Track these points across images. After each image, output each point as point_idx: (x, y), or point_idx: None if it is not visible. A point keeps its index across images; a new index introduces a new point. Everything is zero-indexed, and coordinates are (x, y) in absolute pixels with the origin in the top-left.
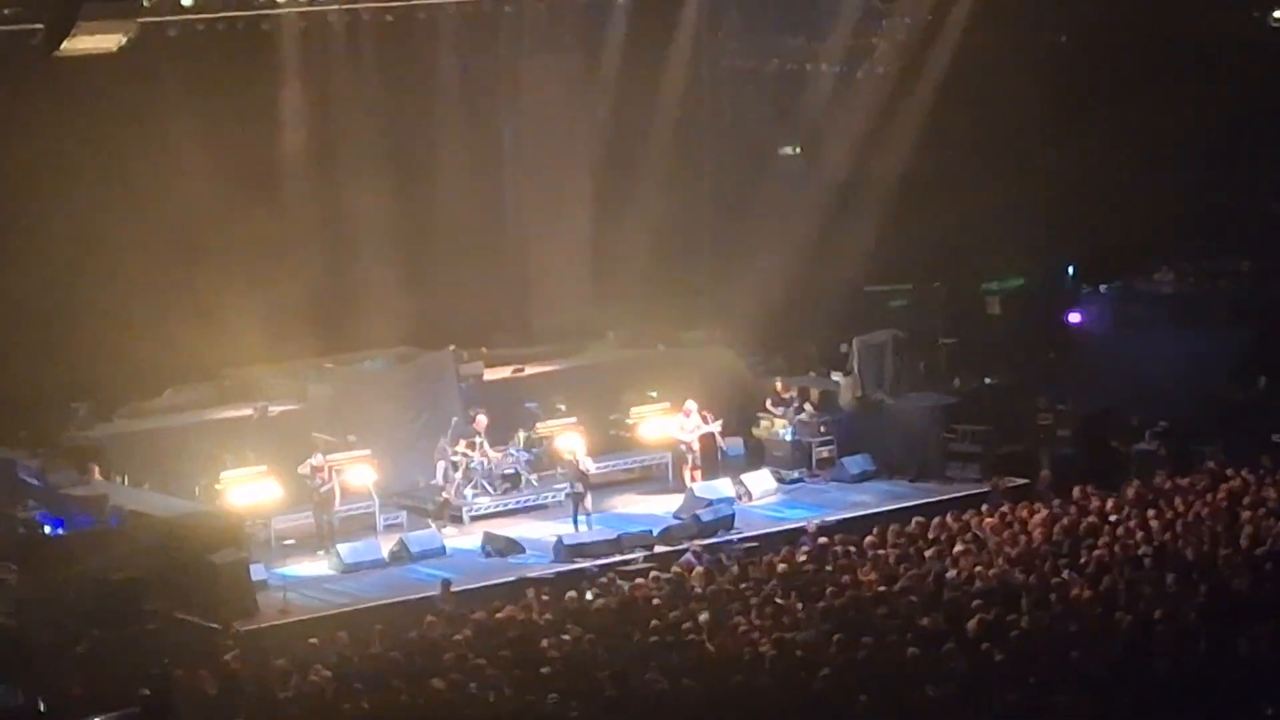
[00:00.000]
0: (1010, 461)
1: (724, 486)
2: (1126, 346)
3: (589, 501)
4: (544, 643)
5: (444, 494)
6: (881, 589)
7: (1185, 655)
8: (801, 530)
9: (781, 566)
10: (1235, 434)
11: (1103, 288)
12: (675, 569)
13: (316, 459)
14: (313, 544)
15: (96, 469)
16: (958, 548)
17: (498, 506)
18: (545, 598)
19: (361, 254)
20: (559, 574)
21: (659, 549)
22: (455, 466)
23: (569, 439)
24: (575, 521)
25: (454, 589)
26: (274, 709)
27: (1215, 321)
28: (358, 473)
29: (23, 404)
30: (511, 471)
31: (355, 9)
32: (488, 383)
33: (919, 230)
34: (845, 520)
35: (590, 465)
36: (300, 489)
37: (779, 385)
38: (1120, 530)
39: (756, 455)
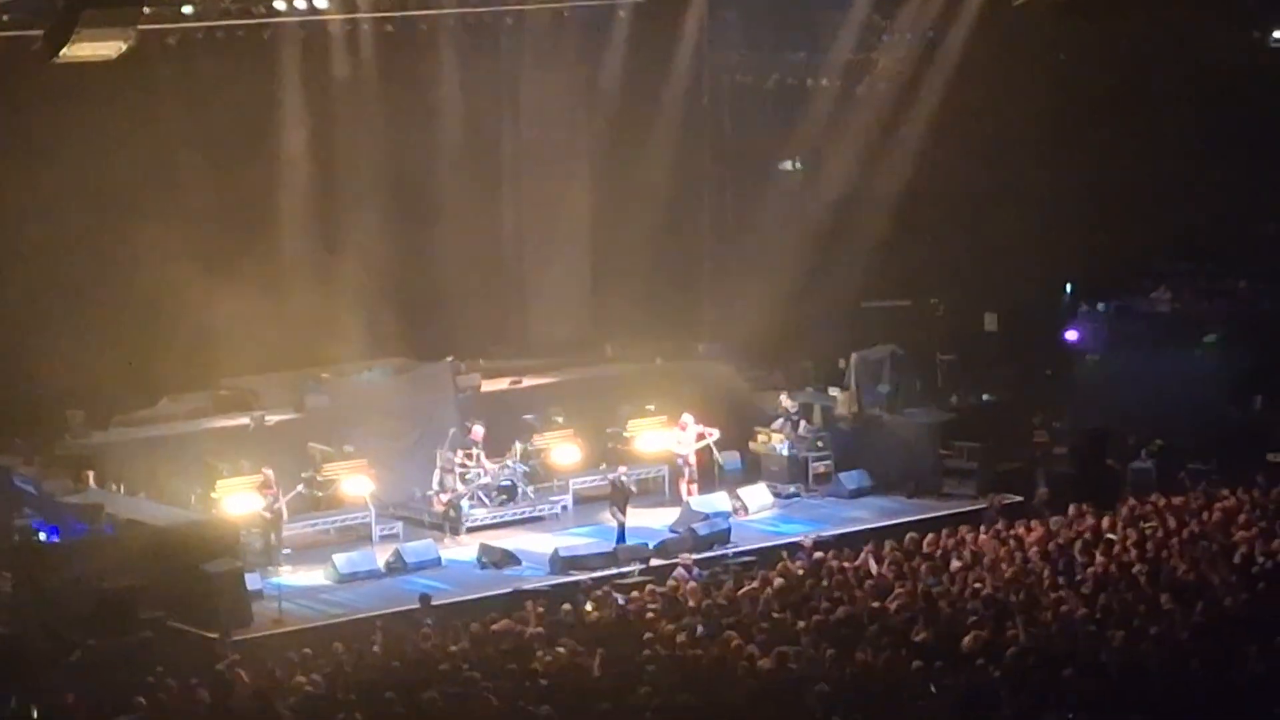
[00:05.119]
0: (1006, 478)
1: (720, 500)
2: (1123, 365)
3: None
4: (539, 655)
5: (441, 503)
6: (876, 605)
7: (1179, 674)
8: (797, 545)
9: (777, 581)
10: (1230, 453)
11: (1100, 306)
12: (671, 582)
13: (267, 473)
14: (255, 561)
15: (92, 477)
16: (953, 564)
17: (494, 518)
18: (540, 610)
19: (359, 264)
20: (555, 586)
21: (655, 562)
22: (457, 476)
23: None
24: (620, 539)
25: (448, 600)
26: (268, 719)
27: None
28: (354, 483)
29: (18, 412)
30: (508, 483)
31: (355, 19)
32: (485, 394)
33: (918, 246)
34: (841, 535)
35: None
36: (296, 498)
37: (782, 399)
38: (1115, 548)
39: (753, 469)
